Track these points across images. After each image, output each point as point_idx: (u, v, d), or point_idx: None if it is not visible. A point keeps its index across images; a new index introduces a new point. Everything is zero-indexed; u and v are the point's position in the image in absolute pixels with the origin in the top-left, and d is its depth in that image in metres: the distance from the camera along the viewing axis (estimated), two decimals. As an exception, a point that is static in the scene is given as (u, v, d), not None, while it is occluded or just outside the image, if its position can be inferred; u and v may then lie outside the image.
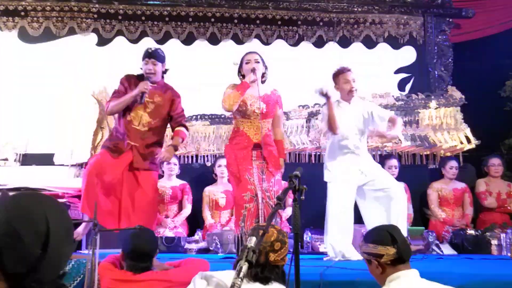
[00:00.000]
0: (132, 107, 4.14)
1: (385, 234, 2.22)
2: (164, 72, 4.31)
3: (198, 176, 5.77)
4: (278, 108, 4.20)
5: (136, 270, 2.69)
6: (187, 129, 4.37)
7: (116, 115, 4.33)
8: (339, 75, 4.30)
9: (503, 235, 4.80)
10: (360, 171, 4.17)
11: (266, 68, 4.18)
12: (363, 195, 4.24)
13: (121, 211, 4.06)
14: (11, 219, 1.03)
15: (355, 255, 3.89)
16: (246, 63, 4.09)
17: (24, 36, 6.75)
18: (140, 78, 4.23)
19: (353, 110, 4.25)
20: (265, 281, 2.17)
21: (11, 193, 1.14)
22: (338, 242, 4.04)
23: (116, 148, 4.11)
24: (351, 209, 4.15)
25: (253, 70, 4.00)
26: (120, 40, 6.79)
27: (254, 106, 4.00)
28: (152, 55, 4.22)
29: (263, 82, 4.19)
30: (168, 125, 4.38)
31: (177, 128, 4.29)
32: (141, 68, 4.26)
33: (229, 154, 4.13)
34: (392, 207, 4.12)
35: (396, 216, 4.07)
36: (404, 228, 4.09)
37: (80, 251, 4.24)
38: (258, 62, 4.09)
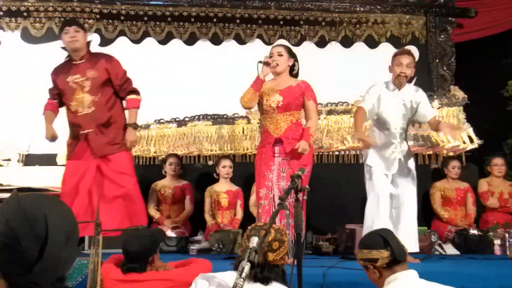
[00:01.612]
0: (70, 96, 3.96)
1: (377, 238, 2.23)
2: (89, 43, 4.09)
3: (200, 176, 5.77)
4: (306, 100, 4.01)
5: (127, 270, 2.69)
6: (138, 93, 4.08)
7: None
8: (395, 56, 4.17)
9: (506, 235, 4.80)
10: (395, 162, 4.16)
11: (296, 60, 4.08)
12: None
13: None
14: (11, 220, 1.03)
15: None
16: (270, 56, 3.99)
17: (27, 36, 6.76)
18: (66, 62, 4.03)
19: (401, 96, 4.17)
20: (265, 281, 2.16)
21: (20, 194, 1.13)
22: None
23: (73, 148, 4.00)
24: (388, 194, 4.14)
25: (266, 64, 3.90)
26: (122, 41, 6.80)
27: (270, 100, 3.94)
28: (71, 22, 4.08)
29: (294, 75, 4.11)
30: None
31: (127, 98, 4.05)
32: (63, 48, 4.05)
33: (257, 153, 4.09)
34: (402, 212, 4.16)
35: (405, 222, 4.13)
36: (412, 232, 4.14)
37: (82, 251, 4.24)
38: (281, 55, 3.99)
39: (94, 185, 3.91)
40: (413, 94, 4.24)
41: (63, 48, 4.08)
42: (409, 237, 4.00)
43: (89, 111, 3.94)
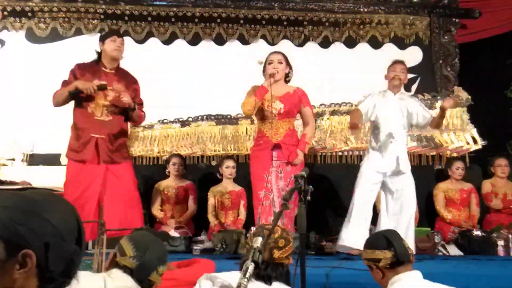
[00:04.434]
0: (91, 98, 4.04)
1: (381, 239, 2.25)
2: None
3: (204, 176, 5.78)
4: (302, 106, 4.19)
5: None
6: (144, 115, 4.36)
7: (74, 110, 4.17)
8: (390, 66, 4.58)
9: (509, 236, 4.78)
10: (394, 160, 4.37)
11: (290, 68, 4.23)
12: (384, 186, 4.48)
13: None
14: (51, 219, 1.05)
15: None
16: (269, 63, 4.12)
17: (31, 36, 6.80)
18: (94, 65, 4.15)
19: (397, 101, 4.48)
20: (267, 280, 2.16)
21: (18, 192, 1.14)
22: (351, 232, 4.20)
23: (81, 151, 4.03)
24: (372, 199, 4.40)
25: (272, 76, 4.02)
26: (126, 41, 6.72)
27: (271, 107, 4.01)
28: (122, 34, 4.27)
29: (287, 81, 4.24)
30: None
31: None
32: (97, 51, 4.19)
33: (252, 156, 4.21)
34: (403, 214, 4.35)
35: (406, 224, 4.32)
36: (411, 234, 4.32)
37: (86, 251, 4.25)
38: (281, 63, 4.13)
39: (102, 190, 4.02)
40: (408, 101, 4.55)
41: (98, 53, 4.22)
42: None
43: (106, 119, 4.08)
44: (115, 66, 4.21)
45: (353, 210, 4.33)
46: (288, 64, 4.20)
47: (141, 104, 4.33)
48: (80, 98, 4.08)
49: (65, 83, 4.13)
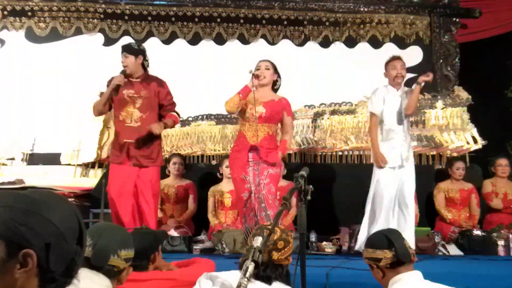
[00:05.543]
0: (122, 107, 4.31)
1: (382, 239, 2.24)
2: (144, 65, 4.43)
3: (204, 175, 5.78)
4: (285, 116, 4.23)
5: None
6: (179, 115, 4.53)
7: (114, 119, 4.47)
8: (389, 62, 4.59)
9: (509, 236, 4.78)
10: (400, 154, 4.42)
11: (278, 76, 4.29)
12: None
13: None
14: (53, 218, 1.04)
15: None
16: (257, 69, 4.18)
17: (31, 36, 6.79)
18: (123, 75, 4.38)
19: (399, 96, 4.53)
20: (267, 280, 2.16)
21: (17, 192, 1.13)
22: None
23: (117, 153, 4.34)
24: (394, 193, 4.40)
25: (256, 76, 4.09)
26: (126, 40, 6.77)
27: (253, 109, 4.07)
28: (123, 49, 4.42)
29: (275, 89, 4.30)
30: None
31: (170, 113, 4.46)
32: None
33: (230, 157, 4.27)
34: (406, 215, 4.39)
35: (407, 222, 4.35)
36: (411, 234, 4.28)
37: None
38: (268, 69, 4.19)
39: (135, 189, 4.29)
40: (407, 93, 4.58)
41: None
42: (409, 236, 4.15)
43: (135, 125, 4.32)
44: (140, 75, 4.39)
45: (377, 214, 4.33)
46: (276, 71, 4.28)
47: (172, 104, 4.47)
48: (113, 107, 4.40)
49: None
